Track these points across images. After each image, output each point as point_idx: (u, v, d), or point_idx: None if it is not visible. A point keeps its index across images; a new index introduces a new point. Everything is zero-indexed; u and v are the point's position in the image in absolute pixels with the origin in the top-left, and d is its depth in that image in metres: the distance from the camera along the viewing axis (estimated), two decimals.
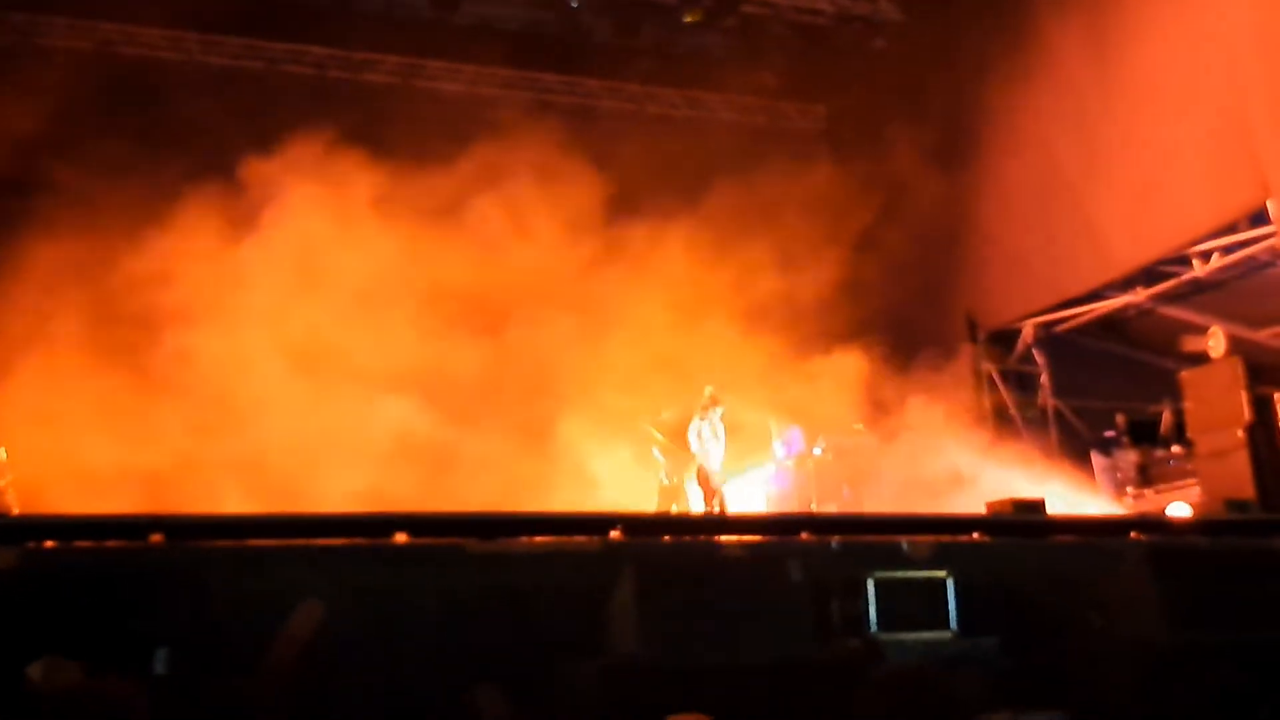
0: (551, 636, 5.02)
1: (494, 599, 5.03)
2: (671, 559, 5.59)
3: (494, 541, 5.29)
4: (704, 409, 10.04)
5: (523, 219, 11.69)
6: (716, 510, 9.84)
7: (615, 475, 10.97)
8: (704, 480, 10.07)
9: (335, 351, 10.71)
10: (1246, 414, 9.03)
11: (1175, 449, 10.87)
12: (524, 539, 5.44)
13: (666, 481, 10.54)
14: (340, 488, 9.59)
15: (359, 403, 10.54)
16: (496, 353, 11.18)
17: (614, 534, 5.58)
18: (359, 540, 5.12)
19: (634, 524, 5.85)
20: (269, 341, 10.53)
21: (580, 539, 5.50)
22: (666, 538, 5.93)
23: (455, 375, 10.80)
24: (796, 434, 10.97)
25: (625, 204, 12.03)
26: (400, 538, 5.08)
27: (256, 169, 10.98)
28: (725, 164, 13.09)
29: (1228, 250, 10.71)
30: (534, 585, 5.16)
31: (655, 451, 10.63)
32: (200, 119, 11.44)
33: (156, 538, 4.90)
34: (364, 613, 4.80)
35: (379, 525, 5.20)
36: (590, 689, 4.87)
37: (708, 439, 9.99)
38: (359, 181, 11.11)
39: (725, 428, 10.37)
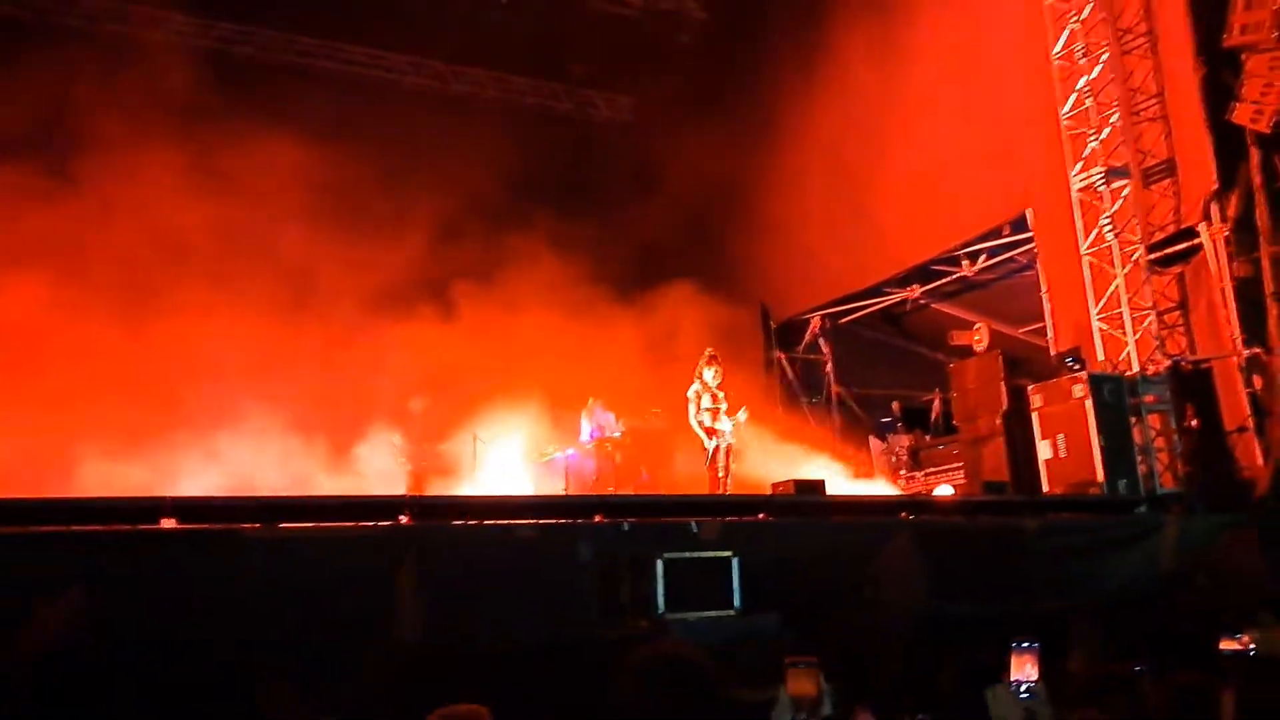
0: (336, 624, 4.82)
1: (274, 587, 4.77)
2: (463, 542, 5.50)
3: (274, 527, 5.03)
4: (700, 371, 9.10)
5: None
6: (721, 475, 8.89)
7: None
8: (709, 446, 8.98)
9: None
10: (1004, 403, 9.82)
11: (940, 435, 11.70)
12: (308, 524, 5.20)
13: (410, 466, 10.19)
14: None
15: None
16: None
17: (403, 518, 5.45)
18: (120, 526, 4.74)
19: (423, 507, 5.72)
20: None
21: (367, 524, 5.33)
22: (458, 521, 5.81)
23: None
24: (609, 418, 10.94)
25: (409, 181, 11.68)
26: (168, 523, 4.75)
27: None
28: (524, 146, 12.97)
29: (992, 253, 11.67)
30: (318, 572, 4.93)
31: (395, 437, 10.24)
32: None
33: None
34: (129, 605, 4.45)
35: (143, 510, 4.84)
36: (378, 677, 4.73)
37: (707, 400, 8.96)
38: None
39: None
